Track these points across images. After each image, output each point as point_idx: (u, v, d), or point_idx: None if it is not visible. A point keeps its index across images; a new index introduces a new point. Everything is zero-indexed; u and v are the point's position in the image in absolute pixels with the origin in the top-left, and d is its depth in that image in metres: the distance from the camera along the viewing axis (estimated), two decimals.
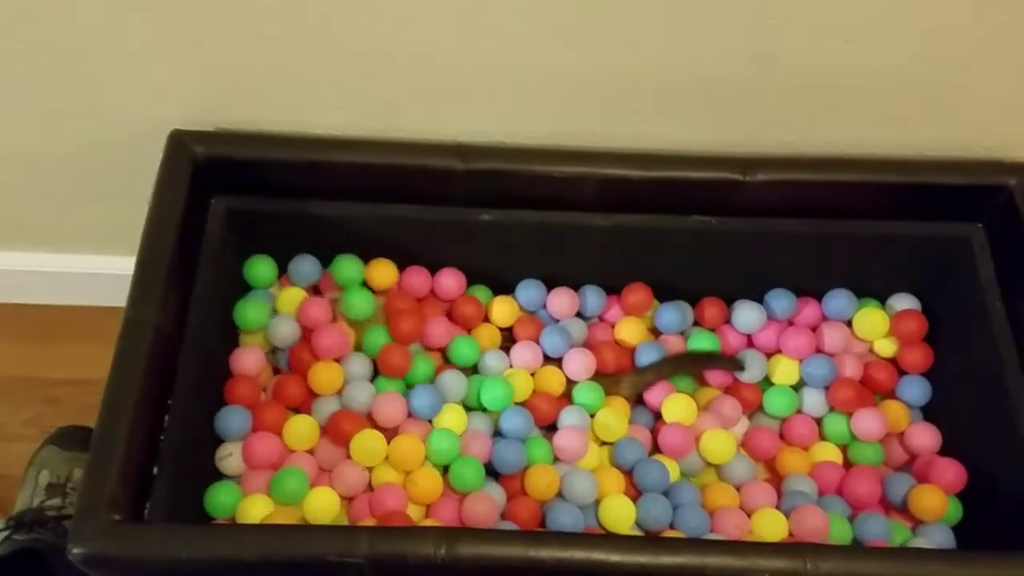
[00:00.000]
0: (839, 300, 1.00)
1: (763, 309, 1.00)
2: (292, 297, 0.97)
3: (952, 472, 0.91)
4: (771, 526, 0.88)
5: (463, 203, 0.92)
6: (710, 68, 0.85)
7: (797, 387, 0.99)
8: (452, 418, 0.93)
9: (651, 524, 0.88)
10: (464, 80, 0.86)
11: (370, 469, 0.90)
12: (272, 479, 0.87)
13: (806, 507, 0.88)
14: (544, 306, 1.02)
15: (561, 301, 1.00)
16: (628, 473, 0.92)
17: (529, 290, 1.01)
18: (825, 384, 0.98)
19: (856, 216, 0.94)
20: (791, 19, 0.80)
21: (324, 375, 0.93)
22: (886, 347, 1.00)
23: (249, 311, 0.94)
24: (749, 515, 0.89)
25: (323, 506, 0.87)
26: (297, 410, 0.94)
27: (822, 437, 0.98)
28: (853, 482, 0.92)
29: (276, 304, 0.98)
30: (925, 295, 1.01)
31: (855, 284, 1.01)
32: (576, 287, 1.01)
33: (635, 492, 0.91)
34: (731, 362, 0.98)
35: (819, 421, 0.98)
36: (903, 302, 1.01)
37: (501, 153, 0.90)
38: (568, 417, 0.94)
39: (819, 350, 0.99)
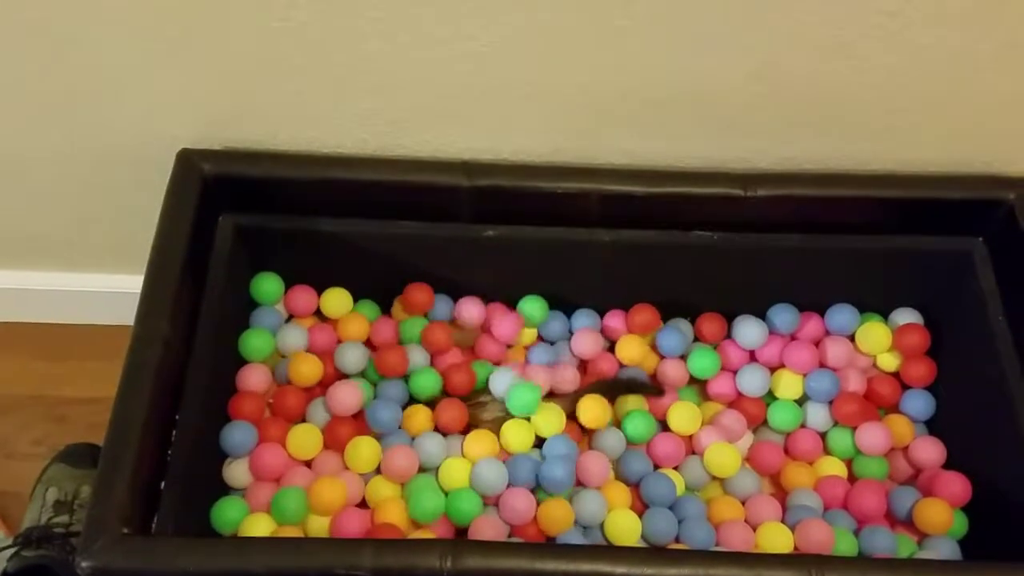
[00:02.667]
0: (842, 315, 1.01)
1: (765, 324, 1.01)
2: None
3: (957, 485, 0.91)
4: (777, 540, 0.88)
5: (469, 219, 0.93)
6: (712, 85, 0.86)
7: (801, 401, 0.99)
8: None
9: (657, 538, 0.88)
10: (470, 99, 0.87)
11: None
12: (272, 500, 0.87)
13: (811, 521, 0.88)
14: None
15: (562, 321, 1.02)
16: (634, 486, 0.92)
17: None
18: (829, 398, 0.98)
19: (857, 231, 0.94)
20: (791, 36, 0.81)
21: (305, 368, 0.95)
22: (889, 361, 1.00)
23: (253, 341, 0.95)
24: (754, 529, 0.90)
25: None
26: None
27: (826, 451, 0.98)
28: (858, 496, 0.92)
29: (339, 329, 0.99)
30: (927, 309, 1.01)
31: (857, 299, 1.01)
32: (579, 302, 1.02)
33: (640, 506, 0.92)
34: (652, 388, 0.98)
35: (823, 435, 0.98)
36: (906, 316, 1.01)
37: (506, 170, 0.91)
38: (603, 439, 0.94)
39: (822, 365, 1.00)
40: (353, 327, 0.99)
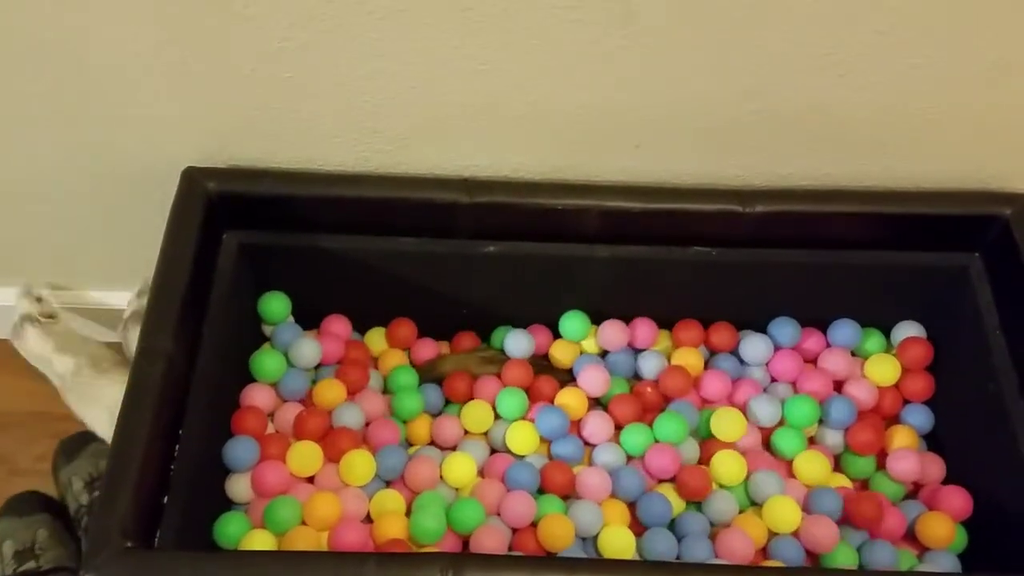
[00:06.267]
0: (843, 330, 1.01)
1: (768, 340, 1.01)
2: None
3: (959, 499, 0.92)
4: (784, 514, 0.88)
5: (469, 236, 0.94)
6: (709, 103, 0.87)
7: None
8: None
9: (656, 558, 0.87)
10: (470, 117, 0.88)
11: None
12: (264, 510, 0.88)
13: (821, 517, 0.88)
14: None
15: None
16: (631, 505, 0.92)
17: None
18: (845, 426, 0.97)
19: (854, 247, 0.95)
20: (786, 55, 0.82)
21: (328, 392, 0.96)
22: (890, 375, 1.00)
23: (266, 362, 0.96)
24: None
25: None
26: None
27: (837, 468, 0.97)
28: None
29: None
30: (925, 324, 1.02)
31: (855, 314, 1.02)
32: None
33: (638, 525, 0.91)
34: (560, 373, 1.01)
35: (837, 457, 0.98)
36: (907, 330, 1.01)
37: (506, 187, 0.91)
38: (603, 454, 0.95)
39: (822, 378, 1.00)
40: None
